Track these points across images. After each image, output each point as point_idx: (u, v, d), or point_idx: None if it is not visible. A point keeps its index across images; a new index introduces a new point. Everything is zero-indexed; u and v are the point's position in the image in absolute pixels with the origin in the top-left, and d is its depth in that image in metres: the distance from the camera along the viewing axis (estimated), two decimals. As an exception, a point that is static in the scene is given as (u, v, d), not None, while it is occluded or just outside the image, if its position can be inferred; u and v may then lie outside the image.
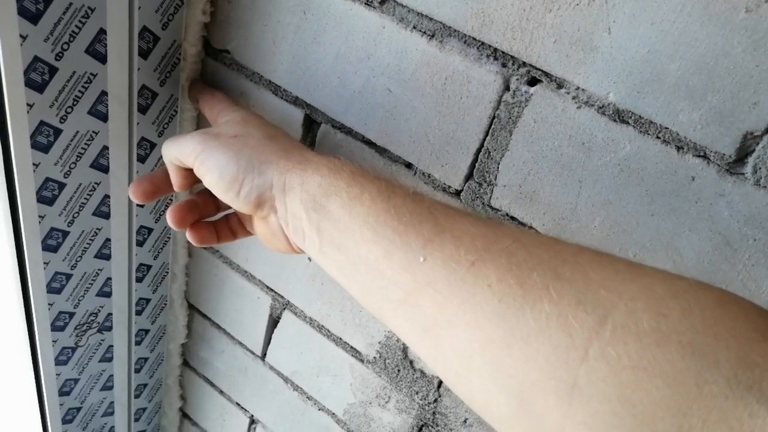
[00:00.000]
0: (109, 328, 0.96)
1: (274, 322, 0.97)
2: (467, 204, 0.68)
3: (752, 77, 0.49)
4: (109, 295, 0.92)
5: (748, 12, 0.48)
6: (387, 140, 0.71)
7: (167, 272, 1.01)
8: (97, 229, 0.83)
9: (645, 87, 0.54)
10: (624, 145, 0.57)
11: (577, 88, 0.57)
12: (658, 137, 0.55)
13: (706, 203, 0.55)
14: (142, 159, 0.83)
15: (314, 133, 0.77)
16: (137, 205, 0.86)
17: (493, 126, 0.63)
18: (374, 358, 0.86)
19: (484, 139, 0.64)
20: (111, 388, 1.05)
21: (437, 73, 0.64)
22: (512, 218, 0.66)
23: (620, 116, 0.56)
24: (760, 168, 0.52)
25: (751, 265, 0.55)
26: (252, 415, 1.11)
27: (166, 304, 1.05)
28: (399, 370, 0.84)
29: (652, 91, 0.54)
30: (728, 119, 0.52)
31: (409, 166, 0.71)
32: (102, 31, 0.68)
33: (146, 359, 1.09)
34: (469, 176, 0.67)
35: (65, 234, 0.79)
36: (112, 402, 1.07)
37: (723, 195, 0.54)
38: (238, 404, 1.13)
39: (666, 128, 0.54)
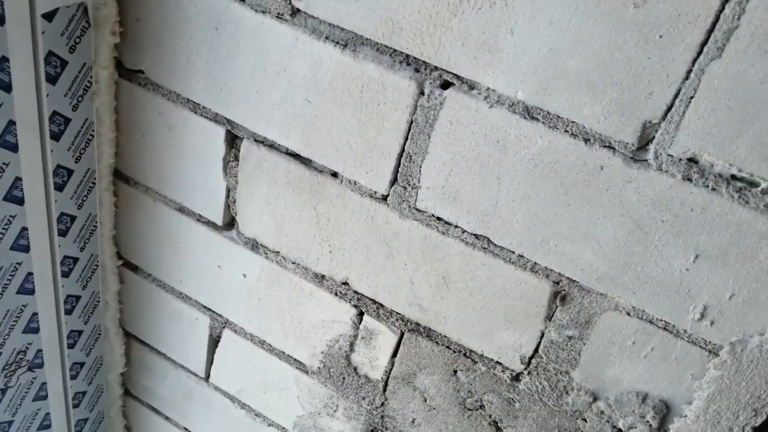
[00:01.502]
0: (41, 365, 0.92)
1: (214, 342, 0.95)
2: (394, 208, 0.69)
3: (645, 69, 0.52)
4: (36, 330, 0.88)
5: (636, 7, 0.51)
6: (311, 151, 0.71)
7: (98, 301, 0.98)
8: (17, 263, 0.79)
9: (550, 84, 0.56)
10: (536, 140, 0.59)
11: (488, 89, 0.59)
12: (566, 131, 0.57)
13: (616, 190, 0.58)
14: (59, 187, 0.80)
15: (237, 148, 0.76)
16: (58, 234, 0.83)
17: (411, 130, 0.64)
18: (318, 368, 0.86)
19: (405, 144, 0.65)
20: (48, 426, 1.01)
21: (353, 81, 0.65)
22: (438, 219, 0.67)
23: (530, 113, 0.58)
24: (660, 154, 0.55)
25: (662, 246, 0.58)
26: (201, 439, 1.09)
27: (100, 334, 1.02)
28: (344, 378, 0.85)
29: (557, 87, 0.56)
30: (628, 110, 0.54)
31: (335, 174, 0.72)
32: (4, 59, 0.65)
33: (84, 393, 1.05)
34: (394, 181, 0.68)
35: (-18, 272, 0.75)
36: (51, 441, 1.03)
37: (630, 181, 0.57)
38: (185, 429, 1.10)
39: (573, 122, 0.57)
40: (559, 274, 0.64)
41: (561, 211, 0.61)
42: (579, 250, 0.62)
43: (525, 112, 0.58)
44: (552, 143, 0.58)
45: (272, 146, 0.74)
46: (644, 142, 0.55)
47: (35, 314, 0.87)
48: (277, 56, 0.67)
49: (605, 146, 0.57)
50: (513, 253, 0.65)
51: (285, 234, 0.78)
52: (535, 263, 0.65)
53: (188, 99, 0.76)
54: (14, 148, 0.71)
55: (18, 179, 0.74)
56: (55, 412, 1.01)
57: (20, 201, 0.75)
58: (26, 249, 0.80)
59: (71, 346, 0.96)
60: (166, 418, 1.12)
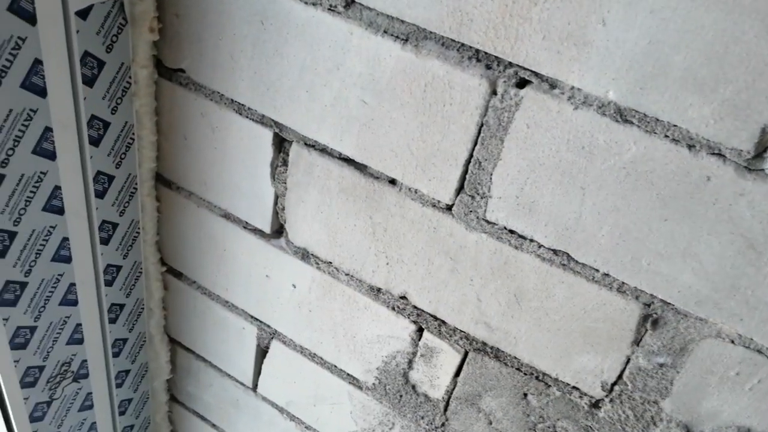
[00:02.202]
0: (86, 375, 0.89)
1: (262, 353, 0.91)
2: (460, 219, 0.62)
3: (770, 63, 0.44)
4: (81, 341, 0.85)
5: (761, -10, 0.42)
6: (366, 156, 0.65)
7: (143, 308, 0.94)
8: (59, 275, 0.76)
9: (648, 82, 0.48)
10: (629, 146, 0.51)
11: (572, 88, 0.51)
12: (666, 136, 0.49)
13: (725, 204, 0.50)
14: (100, 194, 0.76)
15: (286, 152, 0.70)
16: (101, 243, 0.79)
17: (482, 134, 0.57)
18: (373, 384, 0.80)
19: (474, 149, 0.58)
20: (95, 435, 0.98)
21: (415, 80, 0.58)
22: (511, 232, 0.60)
23: (623, 115, 0.50)
24: (783, 162, 0.47)
25: (778, 267, 0.50)
26: (249, 447, 1.05)
27: (145, 341, 0.98)
28: (401, 396, 0.79)
29: (657, 86, 0.48)
30: (744, 112, 0.46)
31: (393, 182, 0.65)
32: (37, 62, 0.61)
33: (130, 400, 1.02)
34: (460, 189, 0.61)
35: (23, 285, 0.72)
36: (98, 449, 1.01)
37: (743, 194, 0.49)
38: (233, 436, 1.07)
39: (675, 126, 0.49)
40: (652, 295, 0.56)
41: (656, 226, 0.53)
42: (676, 270, 0.54)
43: (617, 114, 0.50)
44: (648, 150, 0.50)
45: (324, 150, 0.67)
46: (762, 149, 0.47)
47: (79, 325, 0.83)
48: (329, 53, 0.61)
49: (713, 154, 0.48)
50: (597, 271, 0.58)
51: (338, 244, 0.72)
52: (623, 283, 0.57)
53: (232, 99, 0.70)
54: (52, 156, 0.67)
55: (57, 188, 0.69)
56: (101, 421, 0.98)
57: (60, 211, 0.71)
58: (68, 260, 0.76)
59: (116, 355, 0.93)
60: (213, 425, 1.09)
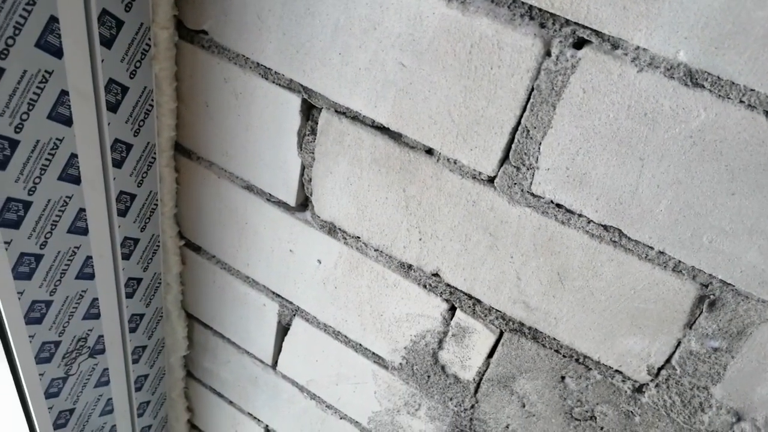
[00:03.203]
0: (102, 351, 0.87)
1: (283, 330, 0.88)
2: (503, 192, 0.59)
3: None
4: (97, 316, 0.82)
5: None
6: (402, 124, 0.61)
7: (160, 283, 0.91)
8: (75, 247, 0.72)
9: (725, 41, 0.44)
10: (698, 113, 0.47)
11: (637, 48, 0.47)
12: (741, 101, 0.45)
13: (803, 177, 0.46)
14: (118, 164, 0.72)
15: (314, 120, 0.66)
16: (118, 214, 0.76)
17: (532, 100, 0.53)
18: (400, 364, 0.77)
19: (522, 116, 0.54)
20: (111, 411, 0.96)
21: (460, 40, 0.53)
22: (558, 206, 0.57)
23: (693, 79, 0.46)
24: None
25: None
26: (267, 425, 1.03)
27: (162, 316, 0.96)
28: (429, 376, 0.76)
29: (735, 45, 0.44)
30: (833, 74, 0.42)
31: (430, 152, 0.61)
32: (53, 20, 0.57)
33: (146, 376, 1.00)
34: (504, 159, 0.57)
35: (38, 258, 0.68)
36: (114, 426, 0.99)
37: (824, 166, 0.45)
38: (250, 414, 1.05)
39: (752, 90, 0.44)
40: (710, 275, 0.53)
41: (722, 201, 0.49)
42: (741, 248, 0.50)
43: (687, 77, 0.46)
44: (720, 117, 0.46)
45: (356, 118, 0.63)
46: None
47: (95, 299, 0.80)
48: (365, 11, 0.57)
49: (794, 121, 0.44)
50: (651, 249, 0.54)
51: (367, 218, 0.69)
52: (680, 261, 0.53)
53: (258, 63, 0.66)
54: (68, 121, 0.63)
55: (73, 156, 0.66)
56: (117, 397, 0.96)
57: (76, 180, 0.68)
58: (84, 231, 0.73)
59: (133, 330, 0.91)
60: (230, 402, 1.06)
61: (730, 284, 0.52)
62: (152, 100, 0.72)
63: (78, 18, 0.59)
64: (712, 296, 0.54)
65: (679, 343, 0.57)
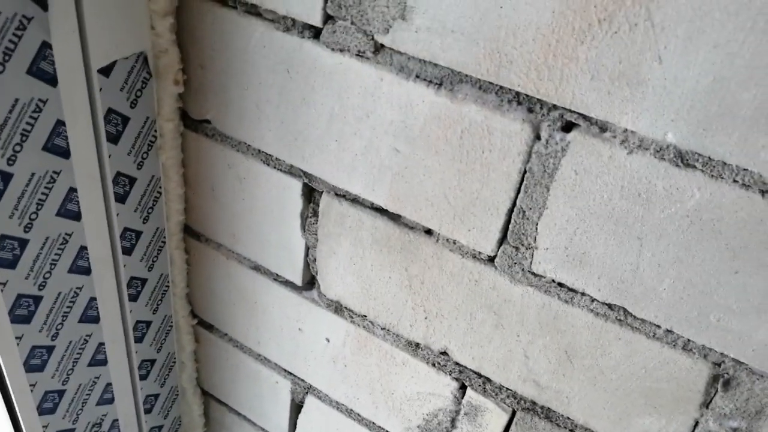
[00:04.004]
0: (117, 435, 0.86)
1: (297, 408, 0.87)
2: (504, 271, 0.58)
3: None
4: (111, 401, 0.82)
5: (840, 20, 0.38)
6: (400, 206, 0.61)
7: (174, 362, 0.91)
8: (87, 335, 0.73)
9: (713, 123, 0.43)
10: (692, 193, 0.46)
11: (625, 131, 0.47)
12: (735, 181, 0.45)
13: (807, 255, 0.44)
14: (128, 251, 0.74)
15: (316, 202, 0.67)
16: (129, 300, 0.77)
17: (525, 182, 0.53)
18: (414, 443, 0.75)
19: (516, 198, 0.54)
20: (128, 494, 0.95)
21: (450, 126, 0.54)
22: (560, 285, 0.56)
23: (684, 159, 0.46)
24: None
25: None
26: (286, 504, 1.01)
27: (177, 395, 0.95)
28: (444, 456, 0.74)
29: (723, 126, 0.43)
30: (826, 152, 0.41)
31: (429, 232, 0.61)
32: (60, 123, 0.59)
33: (163, 456, 0.99)
34: (503, 239, 0.57)
35: (50, 350, 0.69)
36: (132, 508, 0.97)
37: (828, 244, 0.43)
38: (269, 492, 1.03)
39: (745, 170, 0.44)
40: (722, 354, 0.51)
41: (726, 279, 0.48)
42: (750, 326, 0.48)
43: (677, 158, 0.46)
44: (715, 196, 0.45)
45: (355, 201, 0.64)
46: None
47: (109, 384, 0.81)
48: (358, 100, 0.58)
49: (791, 199, 0.43)
50: (659, 327, 0.53)
51: (372, 297, 0.68)
52: (689, 340, 0.52)
53: (259, 150, 0.68)
54: (77, 216, 0.65)
55: (83, 249, 0.67)
56: (135, 479, 0.95)
57: (87, 271, 0.69)
58: (96, 320, 0.73)
59: (148, 411, 0.90)
60: (249, 479, 1.04)
61: (743, 363, 0.50)
62: (160, 187, 0.74)
63: (85, 119, 0.61)
64: (726, 375, 0.52)
65: (697, 424, 0.55)
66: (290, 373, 0.83)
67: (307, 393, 0.83)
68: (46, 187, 0.60)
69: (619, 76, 0.45)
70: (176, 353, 0.91)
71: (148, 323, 0.83)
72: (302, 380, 0.83)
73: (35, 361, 0.68)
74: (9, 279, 0.61)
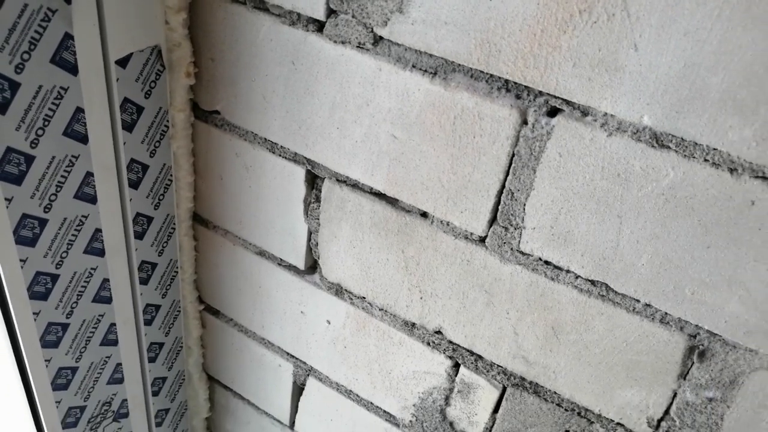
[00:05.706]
0: (126, 415, 0.90)
1: (299, 390, 0.90)
2: (494, 251, 0.62)
3: (811, 83, 0.43)
4: (121, 381, 0.86)
5: (796, 9, 0.41)
6: (397, 190, 0.65)
7: (181, 347, 0.95)
8: (100, 315, 0.77)
9: (685, 105, 0.47)
10: (667, 172, 0.50)
11: (605, 114, 0.51)
12: (706, 160, 0.48)
13: (772, 229, 0.48)
14: (139, 235, 0.77)
15: (318, 189, 0.71)
16: (140, 283, 0.81)
17: (513, 164, 0.56)
18: (410, 421, 0.79)
19: (505, 180, 0.58)
20: (135, 475, 0.99)
21: (444, 113, 0.58)
22: (546, 263, 0.59)
23: (659, 140, 0.49)
24: (832, 184, 0.45)
25: (833, 294, 0.48)
26: (287, 487, 1.04)
27: (184, 379, 0.99)
28: (439, 433, 0.77)
29: (694, 109, 0.47)
30: (787, 132, 0.45)
31: (424, 215, 0.65)
32: (79, 110, 0.63)
33: (169, 439, 1.03)
34: (493, 221, 0.60)
35: (65, 327, 0.73)
36: (138, 489, 1.01)
37: (791, 218, 0.47)
38: (271, 476, 1.06)
39: (714, 149, 0.47)
40: (697, 326, 0.54)
41: (699, 254, 0.51)
42: (722, 299, 0.52)
43: (653, 139, 0.49)
44: (687, 175, 0.49)
45: (355, 186, 0.68)
46: (808, 170, 0.45)
47: (119, 364, 0.84)
48: (358, 89, 0.62)
49: (757, 177, 0.47)
50: (638, 301, 0.56)
51: (371, 279, 0.72)
52: (666, 313, 0.55)
53: (265, 138, 0.72)
54: (93, 200, 0.69)
55: (98, 231, 0.71)
56: (142, 460, 0.98)
57: (101, 252, 0.73)
58: (108, 300, 0.77)
59: (156, 394, 0.94)
60: (252, 464, 1.08)
61: (717, 334, 0.54)
62: (171, 175, 0.78)
63: (102, 107, 0.65)
64: (701, 346, 0.55)
65: (675, 394, 0.58)
66: (292, 356, 0.87)
67: (308, 375, 0.87)
68: (65, 171, 0.64)
69: (599, 63, 0.49)
70: (183, 338, 0.94)
71: (158, 307, 0.86)
72: (304, 362, 0.86)
73: (51, 337, 0.72)
74: (29, 256, 0.65)
